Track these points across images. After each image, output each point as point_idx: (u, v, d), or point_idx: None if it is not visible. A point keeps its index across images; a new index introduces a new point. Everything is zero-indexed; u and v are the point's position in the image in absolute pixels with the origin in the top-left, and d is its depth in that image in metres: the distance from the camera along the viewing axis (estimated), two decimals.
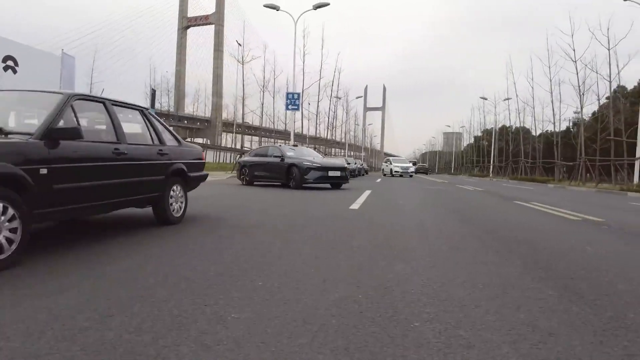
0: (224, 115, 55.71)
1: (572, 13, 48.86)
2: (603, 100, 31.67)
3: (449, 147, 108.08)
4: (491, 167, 45.77)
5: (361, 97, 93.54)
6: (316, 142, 43.95)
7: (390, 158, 39.76)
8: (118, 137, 4.11)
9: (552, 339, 1.90)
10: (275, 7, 22.95)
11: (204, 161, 5.99)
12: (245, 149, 34.77)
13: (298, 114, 26.98)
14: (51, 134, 3.27)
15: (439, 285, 2.73)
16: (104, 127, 4.10)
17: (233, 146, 47.27)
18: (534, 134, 41.43)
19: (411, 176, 33.81)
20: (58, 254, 3.26)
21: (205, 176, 5.99)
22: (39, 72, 23.30)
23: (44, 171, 3.13)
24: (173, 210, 4.98)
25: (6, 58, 17.83)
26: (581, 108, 29.12)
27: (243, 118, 34.40)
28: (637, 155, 20.73)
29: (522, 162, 36.92)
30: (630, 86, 38.03)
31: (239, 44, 42.50)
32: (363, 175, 32.72)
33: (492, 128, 49.60)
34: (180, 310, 2.12)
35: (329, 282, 2.72)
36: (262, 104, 34.10)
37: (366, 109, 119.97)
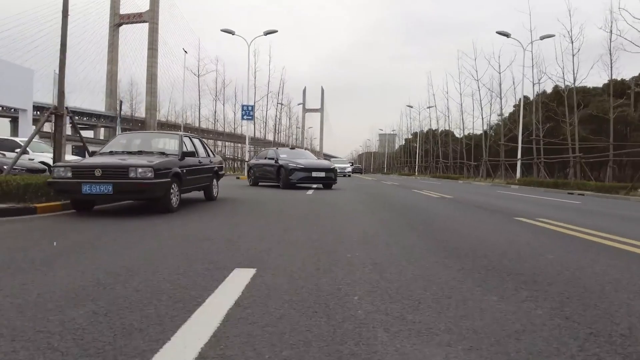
0: (174, 119, 57.72)
1: (475, 41, 58.92)
2: (511, 108, 38.58)
3: (384, 148, 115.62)
4: (416, 167, 52.15)
5: (302, 104, 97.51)
6: (265, 144, 48.08)
7: (331, 159, 44.48)
8: (197, 154, 8.20)
9: (386, 222, 6.34)
10: (231, 32, 26.76)
11: (223, 165, 10.12)
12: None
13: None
14: (184, 154, 7.34)
15: (351, 215, 7.13)
16: (191, 149, 8.14)
17: None
18: (459, 136, 47.95)
19: (349, 175, 38.73)
20: (188, 207, 7.35)
21: (224, 174, 10.11)
22: (12, 84, 26.24)
23: (184, 171, 7.20)
24: (214, 193, 9.08)
25: None
26: (482, 118, 35.44)
27: (199, 124, 37.83)
28: (518, 157, 26.82)
29: (440, 162, 43.19)
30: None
31: (185, 52, 45.64)
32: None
33: (421, 131, 56.05)
34: (260, 215, 6.37)
35: (301, 212, 7.04)
36: (215, 112, 37.66)
37: (305, 110, 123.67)
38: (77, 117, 70.20)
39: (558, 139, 31.71)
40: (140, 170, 6.08)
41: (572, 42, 23.39)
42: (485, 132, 45.24)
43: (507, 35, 25.70)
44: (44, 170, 11.17)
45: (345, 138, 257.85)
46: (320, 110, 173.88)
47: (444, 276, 3.00)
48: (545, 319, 2.16)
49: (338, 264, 3.31)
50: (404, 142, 78.22)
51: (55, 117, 8.02)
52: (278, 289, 2.58)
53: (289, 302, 2.33)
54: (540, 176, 24.81)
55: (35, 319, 2.01)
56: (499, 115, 41.01)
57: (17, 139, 15.01)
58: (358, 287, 2.65)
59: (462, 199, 11.39)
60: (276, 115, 43.37)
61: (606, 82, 33.19)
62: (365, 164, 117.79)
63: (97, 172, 6.02)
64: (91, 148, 8.67)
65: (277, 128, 44.71)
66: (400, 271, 3.11)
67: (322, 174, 14.02)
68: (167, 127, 76.43)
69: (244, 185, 15.83)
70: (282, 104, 45.58)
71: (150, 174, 6.11)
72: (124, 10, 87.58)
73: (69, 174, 6.11)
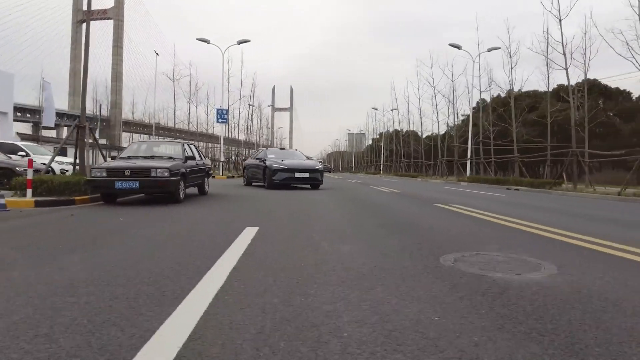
0: (148, 119, 58.51)
1: (432, 51, 64.22)
2: (468, 111, 41.93)
3: (352, 148, 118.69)
4: (381, 166, 55.21)
5: (271, 105, 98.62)
6: (237, 144, 50.03)
7: None
8: (194, 157, 10.35)
9: (342, 206, 8.70)
10: (206, 41, 28.62)
11: (211, 166, 12.28)
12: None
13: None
14: (186, 158, 9.50)
15: (321, 202, 9.46)
16: (190, 154, 10.26)
17: None
18: (423, 136, 51.14)
19: None
20: (190, 199, 9.51)
21: (212, 173, 12.28)
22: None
23: (187, 171, 9.36)
24: (206, 189, 11.23)
25: None
26: (437, 122, 38.58)
27: (175, 124, 39.55)
28: (468, 157, 29.86)
29: (403, 162, 46.25)
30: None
31: (157, 54, 47.05)
32: None
33: (387, 131, 59.11)
34: (247, 203, 8.62)
35: (277, 200, 9.33)
36: (189, 114, 39.49)
37: (274, 109, 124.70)
38: (37, 116, 68.82)
39: (506, 140, 35.07)
40: (159, 170, 8.22)
41: (510, 57, 26.46)
42: (444, 134, 48.78)
43: (458, 47, 28.62)
44: (48, 171, 12.98)
45: (314, 138, 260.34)
46: (290, 109, 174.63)
47: (366, 226, 5.37)
48: (399, 240, 4.55)
49: (307, 224, 5.64)
50: (371, 142, 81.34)
51: (78, 129, 10.00)
52: (274, 233, 4.88)
53: (282, 236, 4.64)
54: (489, 174, 27.85)
55: (138, 261, 4.24)
56: (462, 116, 44.52)
57: (18, 143, 16.60)
58: (317, 233, 4.98)
59: (407, 192, 13.95)
60: (248, 117, 45.41)
61: (555, 86, 36.99)
62: (335, 163, 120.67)
63: (127, 172, 8.12)
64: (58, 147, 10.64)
65: (248, 129, 46.72)
66: (341, 226, 5.46)
67: (306, 175, 13.90)
68: (138, 126, 76.60)
69: (225, 185, 17.88)
70: (252, 106, 47.62)
71: (167, 174, 8.26)
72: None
73: (104, 174, 8.18)
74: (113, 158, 9.73)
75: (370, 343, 1.86)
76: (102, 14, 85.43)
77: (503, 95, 44.55)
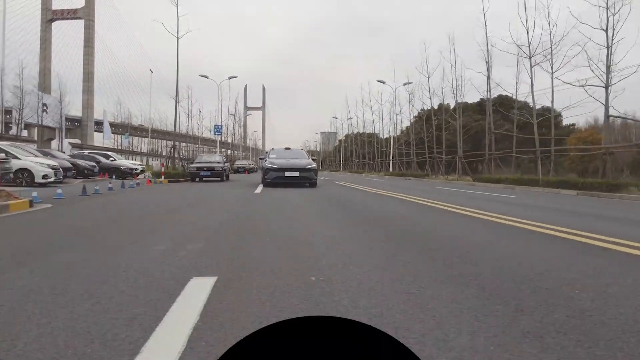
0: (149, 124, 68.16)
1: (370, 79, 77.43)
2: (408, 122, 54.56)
3: (325, 146, 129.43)
4: (341, 164, 67.76)
5: (250, 114, 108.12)
6: (226, 147, 61.84)
7: None
8: (227, 162, 22.22)
9: (306, 198, 20.71)
10: (205, 76, 40.01)
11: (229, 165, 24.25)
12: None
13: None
14: (224, 162, 21.43)
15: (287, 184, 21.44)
16: (224, 159, 22.05)
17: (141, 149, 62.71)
18: (382, 137, 63.49)
19: None
20: (227, 182, 21.44)
21: (229, 169, 24.25)
22: (54, 108, 38.91)
23: (226, 168, 21.21)
24: (229, 177, 23.08)
25: (44, 105, 35.05)
26: (374, 134, 50.99)
27: (179, 130, 50.68)
28: (390, 159, 42.34)
29: (354, 161, 58.84)
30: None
31: (151, 71, 57.87)
32: (256, 171, 51.24)
33: (353, 133, 71.45)
34: (251, 183, 20.62)
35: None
36: (188, 125, 50.88)
37: (247, 109, 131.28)
38: (7, 116, 74.11)
39: (422, 147, 47.74)
40: (218, 167, 20.03)
41: (409, 95, 38.89)
42: (386, 139, 61.64)
43: (383, 82, 40.95)
44: (132, 169, 24.51)
45: (286, 137, 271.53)
46: (262, 108, 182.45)
47: (302, 185, 17.49)
48: (326, 201, 16.62)
49: (281, 187, 17.68)
50: (338, 143, 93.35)
51: (172, 149, 21.67)
52: (270, 191, 16.89)
53: (274, 191, 16.66)
54: (410, 171, 40.37)
55: (229, 192, 16.18)
56: (405, 128, 57.26)
57: (110, 153, 27.76)
58: (284, 187, 16.99)
59: (333, 179, 26.07)
60: (233, 127, 57.06)
61: (478, 100, 50.02)
62: None
63: (205, 168, 19.91)
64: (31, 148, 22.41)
65: (234, 136, 58.35)
66: (294, 187, 17.53)
67: (296, 174, 14.84)
68: (135, 129, 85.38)
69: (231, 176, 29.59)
70: (234, 115, 59.32)
71: (221, 169, 20.09)
72: (56, 5, 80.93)
73: (195, 169, 19.93)
74: (192, 162, 21.42)
75: (298, 199, 13.85)
76: (72, 14, 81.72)
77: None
